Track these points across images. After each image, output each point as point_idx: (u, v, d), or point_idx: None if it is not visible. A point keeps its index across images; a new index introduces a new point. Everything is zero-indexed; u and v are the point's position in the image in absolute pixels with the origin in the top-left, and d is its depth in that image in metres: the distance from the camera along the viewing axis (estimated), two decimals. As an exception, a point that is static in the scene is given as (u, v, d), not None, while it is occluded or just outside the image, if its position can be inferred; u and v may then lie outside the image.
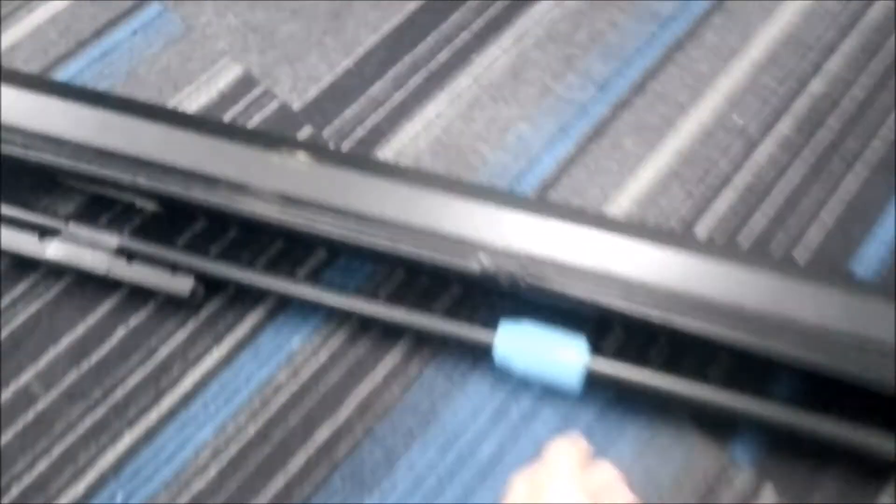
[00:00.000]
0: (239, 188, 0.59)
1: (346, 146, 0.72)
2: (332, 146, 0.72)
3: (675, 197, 0.69)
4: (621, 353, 0.59)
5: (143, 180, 0.60)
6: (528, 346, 0.57)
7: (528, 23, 0.79)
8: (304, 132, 0.73)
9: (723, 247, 0.65)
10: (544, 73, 0.76)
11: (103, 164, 0.60)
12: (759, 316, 0.55)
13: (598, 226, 0.57)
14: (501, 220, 0.57)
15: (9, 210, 0.63)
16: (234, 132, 0.63)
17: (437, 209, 0.57)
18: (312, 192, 0.58)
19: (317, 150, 0.62)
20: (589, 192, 0.70)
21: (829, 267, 0.66)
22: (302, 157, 0.60)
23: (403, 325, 0.60)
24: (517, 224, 0.57)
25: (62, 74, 0.75)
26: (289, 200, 0.58)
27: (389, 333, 0.62)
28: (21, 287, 0.65)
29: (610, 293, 0.54)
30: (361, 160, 0.63)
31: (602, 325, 0.61)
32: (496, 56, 0.77)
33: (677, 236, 0.64)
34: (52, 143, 0.61)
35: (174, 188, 0.59)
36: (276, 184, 0.59)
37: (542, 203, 0.60)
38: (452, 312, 0.63)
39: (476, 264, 0.55)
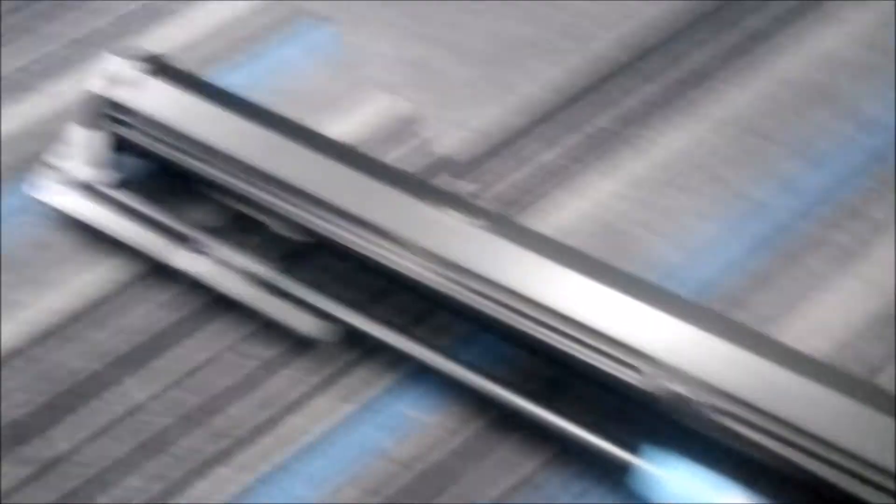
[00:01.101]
0: (393, 239, 0.52)
1: (493, 205, 0.64)
2: (479, 203, 0.64)
3: (862, 334, 0.59)
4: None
5: (293, 210, 0.54)
6: (678, 488, 0.47)
7: (713, 105, 0.70)
8: (443, 180, 0.65)
9: None
10: (726, 164, 0.67)
11: (254, 184, 0.55)
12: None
13: (798, 365, 0.47)
14: (679, 332, 0.48)
15: (156, 214, 0.59)
16: (396, 176, 0.56)
17: (604, 304, 0.49)
18: (469, 258, 0.51)
19: (481, 212, 0.55)
20: (761, 309, 0.60)
21: None
22: (464, 217, 0.53)
23: (531, 419, 0.51)
24: (697, 341, 0.48)
25: (212, 78, 0.70)
26: (443, 263, 0.51)
27: (510, 423, 0.54)
28: (155, 298, 0.60)
29: (801, 452, 0.44)
30: (525, 232, 0.55)
31: (769, 475, 0.51)
32: (675, 137, 0.68)
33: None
34: (207, 151, 0.56)
35: (323, 225, 0.53)
36: (432, 242, 0.51)
37: (730, 322, 0.51)
38: (583, 414, 0.54)
39: (638, 378, 0.46)
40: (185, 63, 0.70)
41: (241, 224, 0.61)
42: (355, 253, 0.54)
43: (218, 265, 0.56)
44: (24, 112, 0.69)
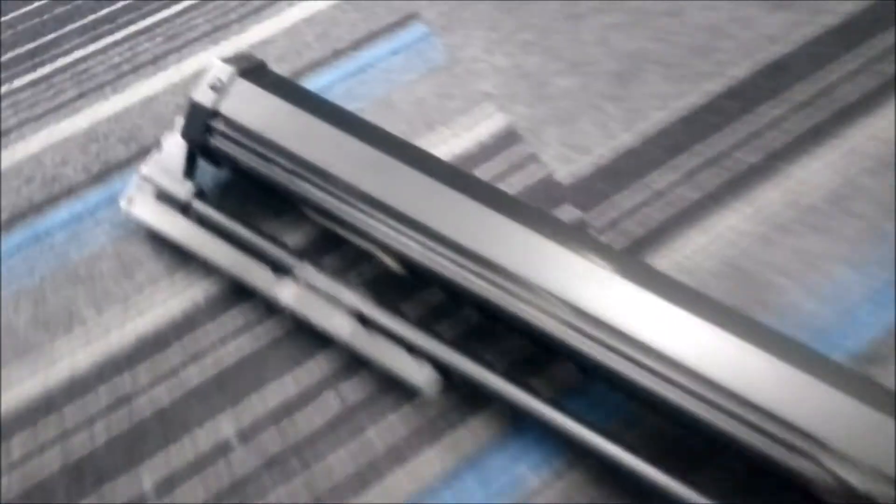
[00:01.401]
0: (513, 279, 0.46)
1: (610, 239, 0.58)
2: (604, 239, 0.58)
3: None
4: None
5: (404, 242, 0.49)
6: None
7: (860, 138, 0.63)
8: (565, 211, 0.60)
9: None
10: (877, 208, 0.60)
11: (363, 210, 0.50)
12: None
13: None
14: (853, 413, 0.41)
15: (254, 237, 0.54)
16: (515, 208, 0.50)
17: (755, 371, 0.42)
18: (594, 303, 0.45)
19: (608, 251, 0.49)
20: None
21: None
22: (590, 255, 0.47)
23: (659, 489, 0.45)
24: (874, 425, 0.41)
25: (313, 82, 0.66)
26: (566, 307, 0.45)
27: (631, 489, 0.48)
28: (239, 319, 0.56)
29: None
30: (657, 277, 0.49)
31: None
32: (816, 171, 0.61)
33: None
34: (315, 172, 0.51)
35: (431, 260, 0.48)
36: (555, 285, 0.46)
37: None
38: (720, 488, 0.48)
39: (824, 476, 0.39)
40: (285, 67, 0.66)
41: (345, 251, 0.56)
42: (470, 293, 0.48)
43: (321, 300, 0.51)
44: (115, 108, 0.66)
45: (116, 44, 0.70)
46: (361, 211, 0.50)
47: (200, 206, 0.55)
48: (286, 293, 0.52)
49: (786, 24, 0.69)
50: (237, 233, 0.54)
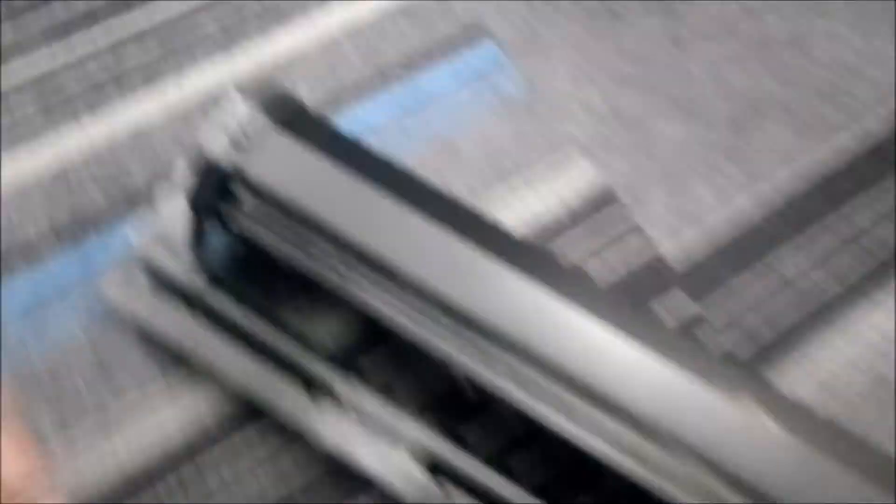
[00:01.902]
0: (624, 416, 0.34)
1: (733, 341, 0.46)
2: (707, 330, 0.46)
3: None
4: None
5: (477, 365, 0.36)
6: None
7: None
8: (674, 299, 0.47)
9: None
10: None
11: (430, 318, 0.37)
12: None
13: None
14: None
15: (280, 342, 0.41)
16: (613, 309, 0.38)
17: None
18: (707, 439, 0.33)
19: (722, 365, 0.37)
20: None
21: None
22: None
23: None
24: None
25: (354, 113, 0.52)
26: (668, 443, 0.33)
27: None
28: (258, 447, 0.43)
29: None
30: (785, 406, 0.37)
31: None
32: None
33: None
34: (358, 257, 0.38)
35: (514, 395, 0.36)
36: (683, 431, 0.34)
37: None
38: None
39: None
40: (318, 91, 0.52)
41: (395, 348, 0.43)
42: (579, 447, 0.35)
43: (372, 434, 0.38)
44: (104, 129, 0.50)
45: (97, 53, 0.53)
46: (439, 326, 0.37)
47: (214, 298, 0.41)
48: (327, 427, 0.39)
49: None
50: (258, 333, 0.40)
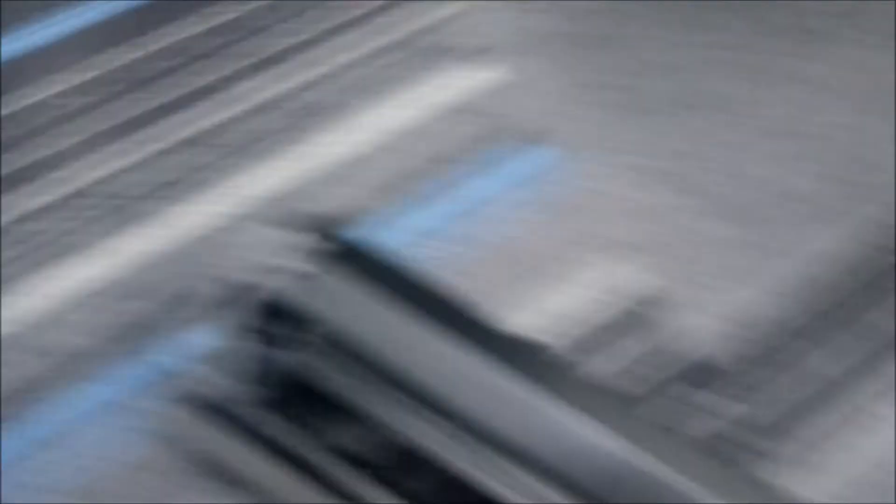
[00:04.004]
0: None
1: (750, 433, 0.47)
2: (730, 430, 0.48)
3: None
4: None
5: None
6: None
7: None
8: (713, 402, 0.49)
9: None
10: None
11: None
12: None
13: None
14: None
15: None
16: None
17: None
18: None
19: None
20: None
21: None
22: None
23: None
24: None
25: (410, 216, 0.53)
26: None
27: None
28: None
29: None
30: None
31: None
32: None
33: None
34: (416, 405, 0.40)
35: None
36: None
37: None
38: None
39: None
40: (353, 208, 0.52)
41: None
42: None
43: None
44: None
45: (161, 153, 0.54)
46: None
47: (272, 425, 0.41)
48: None
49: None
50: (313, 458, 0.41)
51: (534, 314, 0.48)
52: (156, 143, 0.55)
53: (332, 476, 0.42)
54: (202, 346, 0.43)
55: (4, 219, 0.51)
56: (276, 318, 0.41)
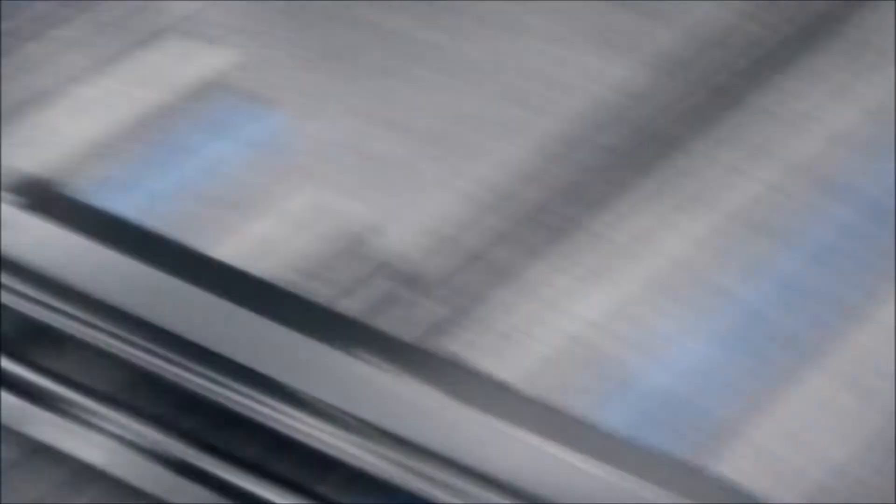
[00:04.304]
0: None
1: (427, 310, 0.54)
2: (406, 307, 0.54)
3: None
4: None
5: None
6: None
7: (712, 199, 0.60)
8: (378, 284, 0.55)
9: None
10: (717, 265, 0.57)
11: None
12: None
13: None
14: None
15: (35, 376, 0.48)
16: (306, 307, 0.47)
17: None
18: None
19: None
20: (761, 439, 0.49)
21: None
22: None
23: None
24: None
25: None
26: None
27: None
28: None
29: None
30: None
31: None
32: (653, 230, 0.59)
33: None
34: (96, 308, 0.46)
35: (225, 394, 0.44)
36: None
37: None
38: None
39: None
40: (82, 173, 0.60)
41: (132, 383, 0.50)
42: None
43: (115, 443, 0.45)
44: None
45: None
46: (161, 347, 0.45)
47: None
48: (80, 444, 0.46)
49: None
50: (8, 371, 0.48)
51: (250, 245, 0.55)
52: None
53: (65, 403, 0.49)
54: None
55: None
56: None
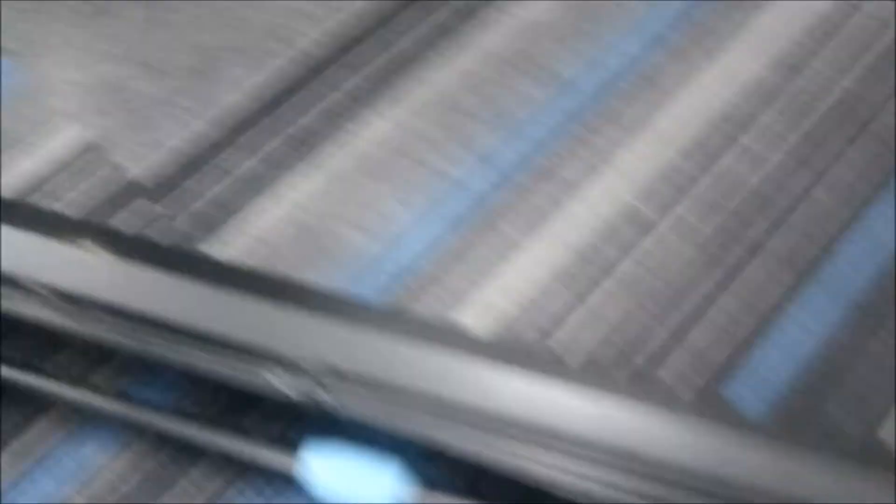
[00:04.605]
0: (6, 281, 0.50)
1: (183, 222, 0.63)
2: (167, 225, 0.63)
3: (548, 288, 0.61)
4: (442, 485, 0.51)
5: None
6: (329, 472, 0.48)
7: (413, 86, 0.71)
8: (139, 206, 0.64)
9: (575, 372, 0.56)
10: (426, 145, 0.68)
11: None
12: (610, 448, 0.46)
13: (418, 339, 0.49)
14: (301, 324, 0.49)
15: None
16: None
17: (230, 315, 0.49)
18: (91, 288, 0.50)
19: (107, 238, 0.54)
20: (454, 281, 0.61)
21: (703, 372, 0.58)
22: (89, 246, 0.52)
23: (200, 444, 0.51)
24: (319, 333, 0.49)
25: None
26: (66, 299, 0.50)
27: (192, 450, 0.54)
28: None
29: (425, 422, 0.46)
30: (157, 251, 0.55)
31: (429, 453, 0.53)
32: (373, 123, 0.69)
33: (527, 356, 0.55)
34: None
35: None
36: (52, 278, 0.50)
37: (354, 309, 0.52)
38: (262, 429, 0.54)
39: (265, 381, 0.46)
40: None
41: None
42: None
43: None
44: None
45: None
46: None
47: None
48: None
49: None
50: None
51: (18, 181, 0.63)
52: None
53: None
54: None
55: None
56: None
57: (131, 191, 0.65)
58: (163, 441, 0.54)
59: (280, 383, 0.46)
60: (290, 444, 0.50)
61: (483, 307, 0.60)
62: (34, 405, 0.55)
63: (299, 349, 0.48)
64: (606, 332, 0.60)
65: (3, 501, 0.52)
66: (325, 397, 0.47)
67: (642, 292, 0.62)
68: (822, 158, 0.68)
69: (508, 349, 0.56)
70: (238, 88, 0.70)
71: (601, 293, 0.62)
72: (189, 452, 0.54)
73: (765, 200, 0.66)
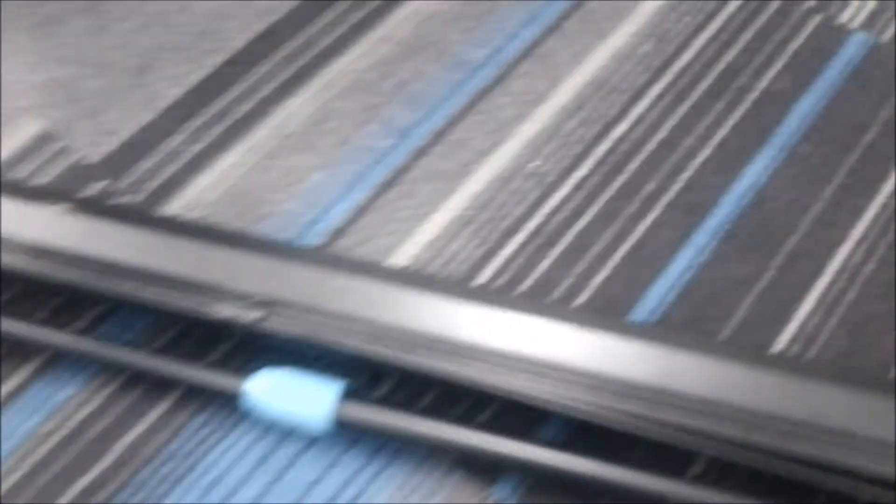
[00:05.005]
0: None
1: (139, 199, 0.71)
2: (125, 199, 0.71)
3: (464, 243, 0.70)
4: (391, 401, 0.59)
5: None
6: (277, 391, 0.57)
7: (333, 73, 0.80)
8: (98, 186, 0.72)
9: (491, 292, 0.65)
10: (346, 122, 0.77)
11: None
12: (529, 360, 0.56)
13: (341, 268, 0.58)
14: (246, 265, 0.57)
15: None
16: None
17: (181, 255, 0.57)
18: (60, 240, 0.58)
19: (75, 201, 0.62)
20: (379, 241, 0.70)
21: (608, 309, 0.67)
22: (59, 208, 0.60)
23: (163, 376, 0.59)
24: (261, 269, 0.58)
25: None
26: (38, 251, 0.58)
27: (158, 384, 0.62)
28: None
29: (358, 336, 0.55)
30: (118, 211, 0.64)
31: (376, 373, 0.61)
32: (297, 106, 0.78)
33: (449, 284, 0.65)
34: None
35: None
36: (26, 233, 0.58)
37: (287, 248, 0.61)
38: (225, 363, 0.62)
39: (215, 311, 0.55)
40: None
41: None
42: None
43: None
44: None
45: None
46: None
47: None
48: None
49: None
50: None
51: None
52: None
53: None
54: None
55: None
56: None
57: (91, 174, 0.73)
58: (134, 380, 0.61)
59: (229, 312, 0.54)
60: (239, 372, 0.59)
61: (405, 258, 0.69)
62: (12, 353, 0.63)
63: (246, 284, 0.56)
64: (516, 274, 0.69)
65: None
66: (268, 323, 0.55)
67: (549, 242, 0.71)
68: (706, 123, 0.78)
69: (426, 277, 0.65)
70: (179, 83, 0.79)
71: (513, 245, 0.71)
72: (157, 389, 0.61)
73: (659, 160, 0.76)
